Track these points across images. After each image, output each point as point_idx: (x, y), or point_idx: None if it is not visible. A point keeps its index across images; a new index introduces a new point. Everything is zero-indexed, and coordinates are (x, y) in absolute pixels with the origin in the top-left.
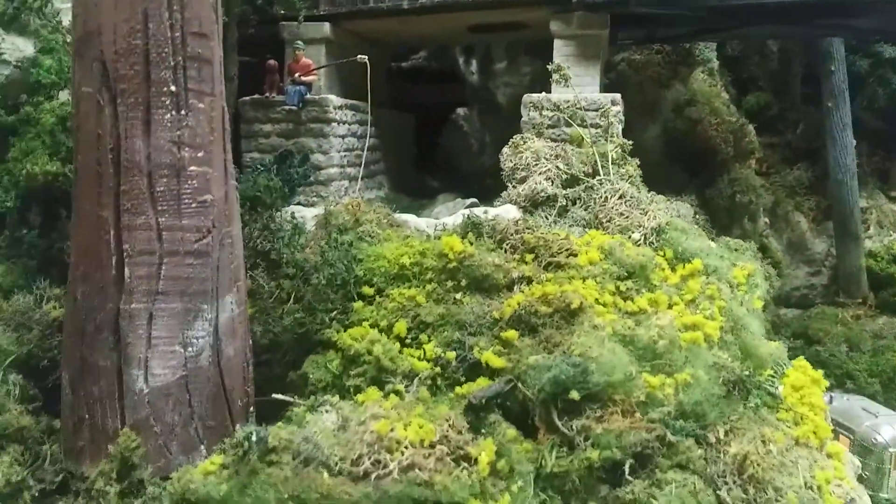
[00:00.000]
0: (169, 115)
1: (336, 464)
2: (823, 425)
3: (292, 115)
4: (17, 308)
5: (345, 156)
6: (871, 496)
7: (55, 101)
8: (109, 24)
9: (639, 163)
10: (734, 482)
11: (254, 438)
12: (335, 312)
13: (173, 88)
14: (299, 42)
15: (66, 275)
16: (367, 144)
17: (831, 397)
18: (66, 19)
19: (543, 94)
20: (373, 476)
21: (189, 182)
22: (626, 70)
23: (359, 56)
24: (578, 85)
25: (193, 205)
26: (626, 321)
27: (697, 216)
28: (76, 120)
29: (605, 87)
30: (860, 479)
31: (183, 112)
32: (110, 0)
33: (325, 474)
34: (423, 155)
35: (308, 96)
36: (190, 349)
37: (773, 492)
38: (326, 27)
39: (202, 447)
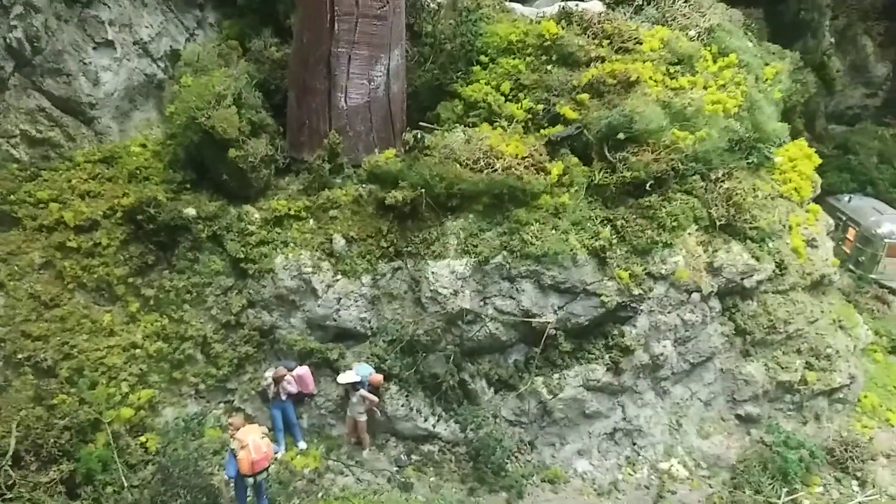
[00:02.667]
0: None
1: (464, 161)
2: (806, 186)
3: None
4: (254, 48)
5: None
6: (861, 275)
7: None
8: None
9: None
10: (721, 205)
11: (419, 137)
12: (460, 73)
13: None
14: None
15: (279, 27)
16: None
17: (850, 197)
18: None
19: None
20: (485, 171)
21: None
22: None
23: None
24: None
25: None
26: (668, 93)
27: (750, 22)
28: None
29: None
30: (856, 263)
31: None
32: None
33: (458, 165)
34: None
35: None
36: (372, 83)
37: (750, 216)
38: None
39: (376, 150)
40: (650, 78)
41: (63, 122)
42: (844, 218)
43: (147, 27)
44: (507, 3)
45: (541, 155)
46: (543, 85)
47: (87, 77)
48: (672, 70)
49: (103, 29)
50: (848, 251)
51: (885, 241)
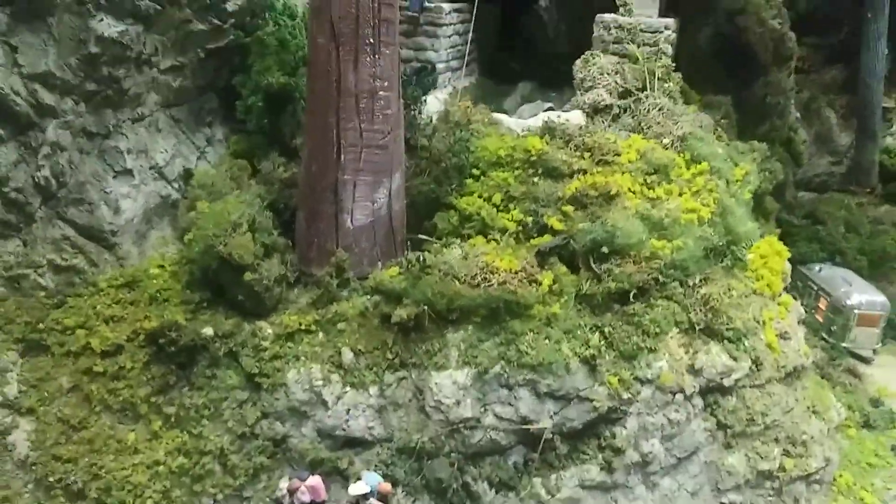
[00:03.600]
0: (369, 59)
1: (462, 277)
2: (777, 281)
3: (412, 18)
4: (264, 170)
5: (450, 52)
6: (833, 345)
7: (270, 26)
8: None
9: (680, 77)
10: (700, 310)
11: (420, 259)
12: (454, 185)
13: (371, 41)
14: None
15: (285, 147)
16: (468, 41)
17: (820, 267)
18: None
19: (612, 15)
20: (482, 286)
21: (379, 102)
22: None
23: None
24: (641, 5)
25: (381, 116)
26: (646, 204)
27: (724, 120)
28: (312, 58)
29: None
30: (828, 332)
31: (377, 56)
32: None
33: (457, 282)
34: (506, 40)
35: (426, 3)
36: (376, 204)
37: (726, 318)
38: None
39: (379, 263)
40: (629, 189)
41: (86, 249)
42: (816, 288)
43: (162, 152)
44: (494, 116)
45: (532, 267)
46: (531, 196)
47: (108, 205)
48: (649, 180)
49: (122, 158)
50: (820, 320)
51: (855, 311)
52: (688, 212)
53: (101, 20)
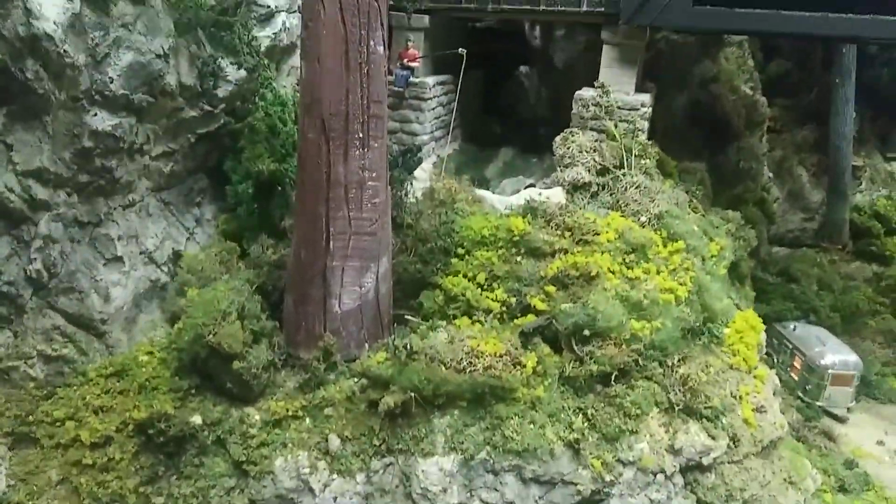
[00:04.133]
0: (358, 152)
1: (448, 362)
2: (752, 355)
3: (397, 93)
4: (253, 254)
5: (434, 123)
6: (808, 403)
7: (261, 111)
8: (327, 96)
9: (657, 147)
10: (678, 390)
11: (407, 345)
12: (440, 265)
13: (361, 135)
14: (410, 35)
15: (274, 228)
16: (453, 111)
17: (795, 325)
18: (263, 44)
19: (590, 92)
20: (468, 371)
21: (368, 191)
22: (665, 47)
23: (459, 49)
24: (618, 83)
25: (369, 205)
26: (625, 285)
27: (700, 186)
28: (302, 151)
29: (644, 62)
30: (804, 390)
31: (366, 150)
32: (328, 80)
33: (443, 368)
34: (489, 104)
35: (411, 79)
36: (363, 289)
37: (704, 397)
38: (426, 19)
39: (366, 345)
40: (609, 270)
41: (76, 337)
42: (791, 346)
43: (152, 237)
44: (477, 192)
45: (517, 349)
46: (514, 275)
47: (99, 293)
48: (628, 259)
49: (113, 245)
50: (796, 378)
51: (829, 371)
52: (665, 292)
53: (95, 115)
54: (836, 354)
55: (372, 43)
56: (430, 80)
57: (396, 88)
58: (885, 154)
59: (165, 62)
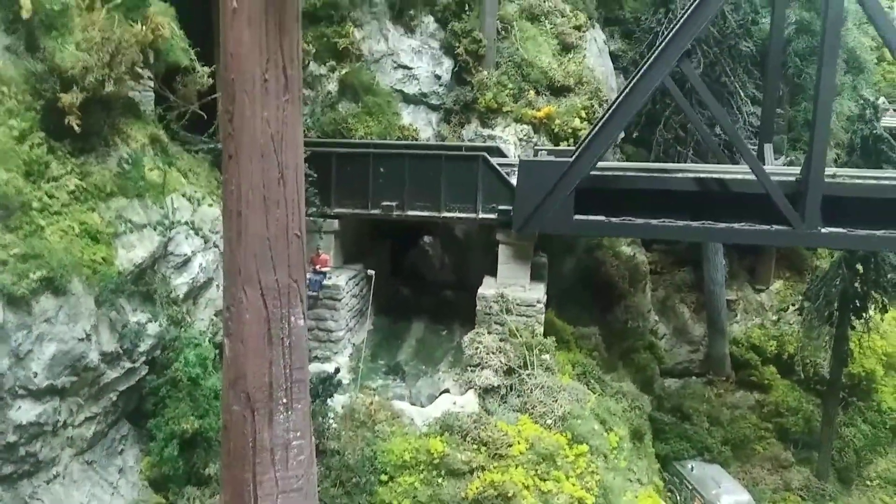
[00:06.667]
0: (283, 416)
1: None
2: None
3: (311, 296)
4: None
5: (348, 315)
6: None
7: (181, 362)
8: (251, 371)
9: (555, 341)
10: None
11: None
12: (364, 494)
13: (285, 401)
14: (320, 242)
15: (200, 478)
16: (368, 299)
17: (692, 466)
18: (181, 291)
19: (492, 290)
20: None
21: (293, 451)
22: None
23: (368, 270)
24: (514, 278)
25: (295, 462)
26: (539, 501)
27: (595, 352)
28: (227, 422)
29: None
30: None
31: (290, 412)
32: (251, 358)
33: None
34: (397, 268)
35: (324, 282)
36: None
37: None
38: (336, 223)
39: None
40: (524, 485)
41: None
42: (690, 487)
43: None
44: (395, 406)
45: None
46: (437, 499)
47: None
48: (540, 470)
49: None
50: None
51: None
52: (575, 501)
53: (19, 408)
54: (731, 495)
55: (293, 318)
56: (343, 279)
57: (311, 293)
58: (755, 286)
59: (87, 341)
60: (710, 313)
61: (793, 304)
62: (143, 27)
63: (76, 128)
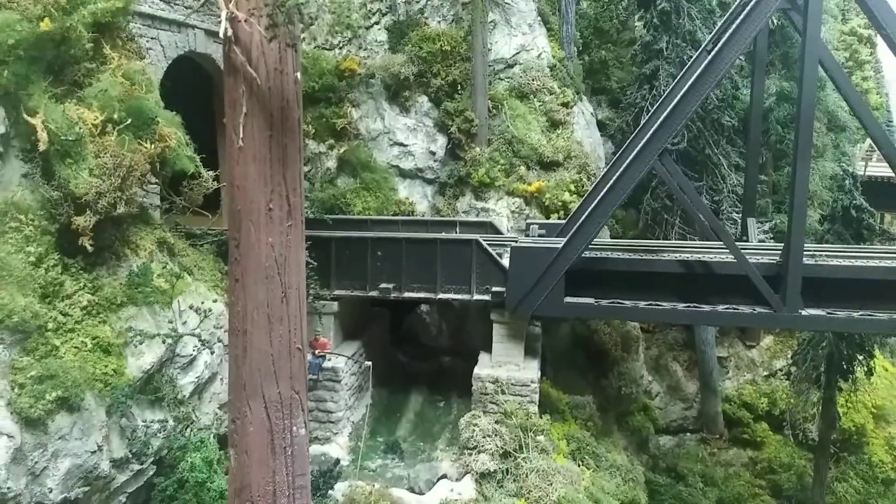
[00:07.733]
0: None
1: None
2: None
3: (311, 378)
4: None
5: (348, 393)
6: None
7: (187, 465)
8: (255, 480)
9: (549, 416)
10: None
11: None
12: None
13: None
14: (320, 325)
15: None
16: (368, 377)
17: None
18: (188, 391)
19: (487, 371)
20: None
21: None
22: None
23: (365, 362)
24: (508, 356)
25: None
26: None
27: (590, 422)
28: None
29: None
30: None
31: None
32: (255, 468)
33: None
34: (395, 334)
35: (324, 365)
36: None
37: None
38: (335, 305)
39: None
40: None
41: None
42: None
43: None
44: (394, 495)
45: None
46: None
47: None
48: None
49: None
50: None
51: None
52: None
53: None
54: None
55: (294, 428)
56: (342, 362)
57: (311, 376)
58: (745, 342)
59: (100, 452)
60: (702, 373)
61: (782, 368)
62: (152, 145)
63: (89, 248)
